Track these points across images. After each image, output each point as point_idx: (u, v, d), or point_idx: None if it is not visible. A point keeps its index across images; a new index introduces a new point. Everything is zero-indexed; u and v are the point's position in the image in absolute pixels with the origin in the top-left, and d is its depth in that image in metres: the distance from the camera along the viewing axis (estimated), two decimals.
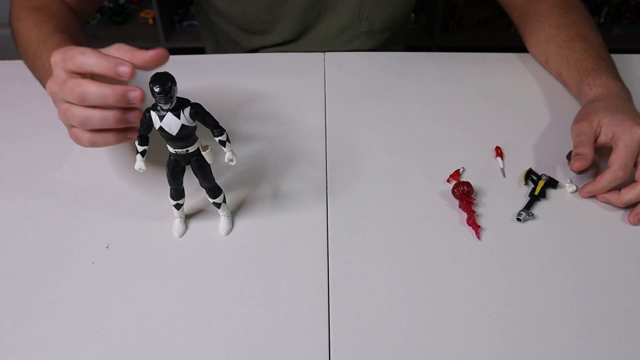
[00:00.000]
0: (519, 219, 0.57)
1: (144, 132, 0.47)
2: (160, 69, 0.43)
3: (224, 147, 0.48)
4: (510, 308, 0.49)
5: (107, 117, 0.46)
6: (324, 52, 0.83)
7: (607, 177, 0.57)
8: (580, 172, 0.62)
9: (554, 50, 0.75)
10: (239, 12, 0.83)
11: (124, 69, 0.44)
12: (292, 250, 0.54)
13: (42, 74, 0.60)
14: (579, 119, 0.62)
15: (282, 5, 0.83)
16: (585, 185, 0.59)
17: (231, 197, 0.59)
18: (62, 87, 0.46)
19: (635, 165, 0.58)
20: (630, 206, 0.58)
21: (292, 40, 0.88)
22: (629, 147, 0.56)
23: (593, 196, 0.60)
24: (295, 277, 0.52)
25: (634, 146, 0.56)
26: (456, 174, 0.62)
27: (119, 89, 0.45)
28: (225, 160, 0.49)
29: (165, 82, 0.42)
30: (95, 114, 0.46)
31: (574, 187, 0.60)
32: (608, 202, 0.59)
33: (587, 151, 0.58)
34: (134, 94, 0.45)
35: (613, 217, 0.58)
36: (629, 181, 0.57)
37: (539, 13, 0.79)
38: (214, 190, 0.53)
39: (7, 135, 0.68)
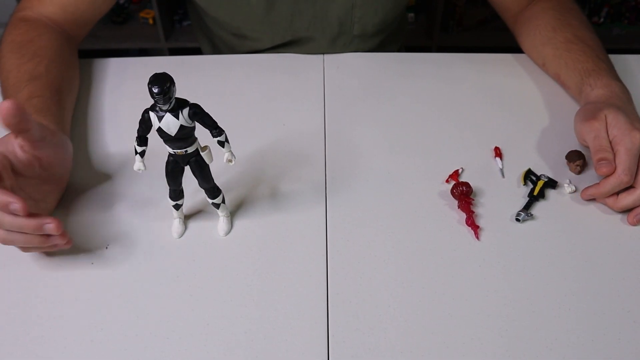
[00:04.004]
0: (517, 220, 0.57)
1: (143, 133, 0.47)
2: (160, 70, 0.44)
3: (223, 147, 0.49)
4: (509, 308, 0.49)
5: (26, 240, 0.48)
6: (323, 53, 0.83)
7: (612, 182, 0.56)
8: (579, 173, 0.62)
9: (551, 52, 0.75)
10: (227, 17, 0.82)
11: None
12: (291, 251, 0.54)
13: None
14: (590, 117, 0.60)
15: (268, 13, 0.81)
16: (588, 188, 0.59)
17: (230, 197, 0.59)
18: None
19: None
20: (626, 210, 0.58)
21: (286, 45, 0.87)
22: (630, 151, 0.56)
23: (593, 199, 0.59)
24: (294, 277, 0.52)
25: (634, 150, 0.56)
26: (455, 175, 0.62)
27: (33, 222, 0.47)
28: (224, 161, 0.49)
29: (164, 82, 0.42)
30: (16, 237, 0.48)
31: (573, 188, 0.60)
32: (605, 205, 0.59)
33: (611, 156, 0.57)
34: (50, 226, 0.47)
35: (612, 218, 0.58)
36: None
37: (534, 16, 0.79)
38: (213, 191, 0.53)
39: None
